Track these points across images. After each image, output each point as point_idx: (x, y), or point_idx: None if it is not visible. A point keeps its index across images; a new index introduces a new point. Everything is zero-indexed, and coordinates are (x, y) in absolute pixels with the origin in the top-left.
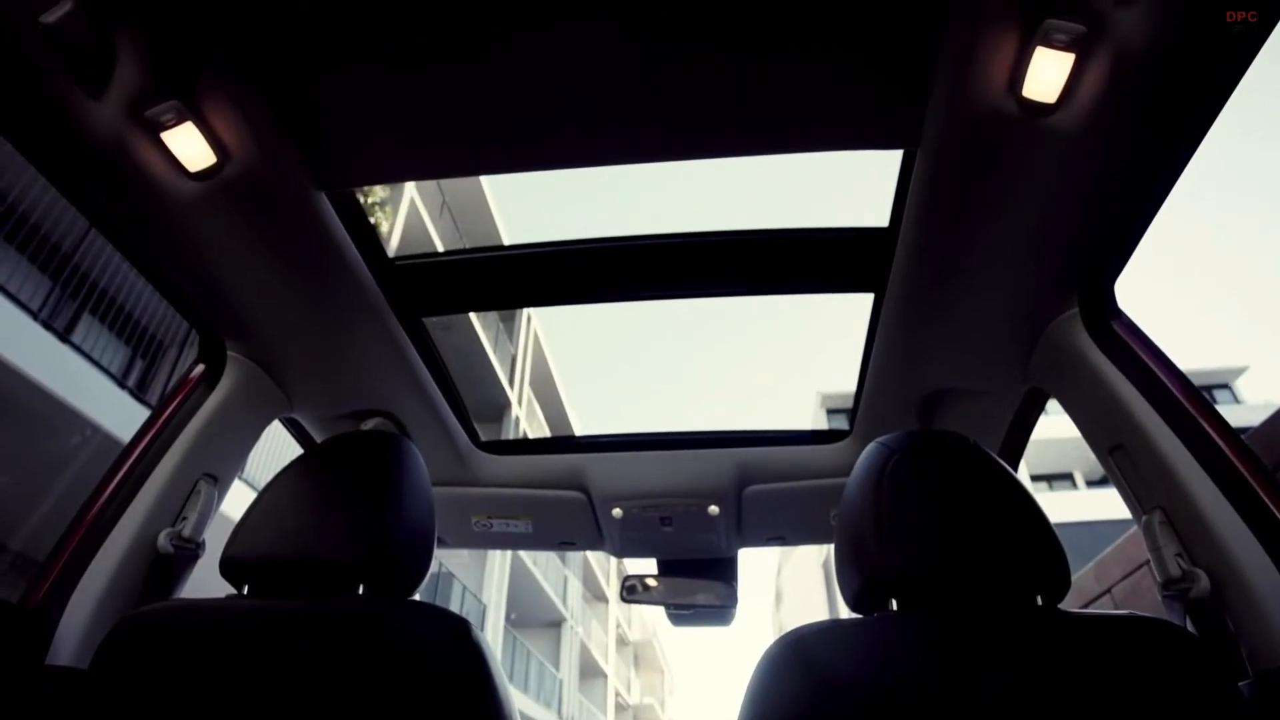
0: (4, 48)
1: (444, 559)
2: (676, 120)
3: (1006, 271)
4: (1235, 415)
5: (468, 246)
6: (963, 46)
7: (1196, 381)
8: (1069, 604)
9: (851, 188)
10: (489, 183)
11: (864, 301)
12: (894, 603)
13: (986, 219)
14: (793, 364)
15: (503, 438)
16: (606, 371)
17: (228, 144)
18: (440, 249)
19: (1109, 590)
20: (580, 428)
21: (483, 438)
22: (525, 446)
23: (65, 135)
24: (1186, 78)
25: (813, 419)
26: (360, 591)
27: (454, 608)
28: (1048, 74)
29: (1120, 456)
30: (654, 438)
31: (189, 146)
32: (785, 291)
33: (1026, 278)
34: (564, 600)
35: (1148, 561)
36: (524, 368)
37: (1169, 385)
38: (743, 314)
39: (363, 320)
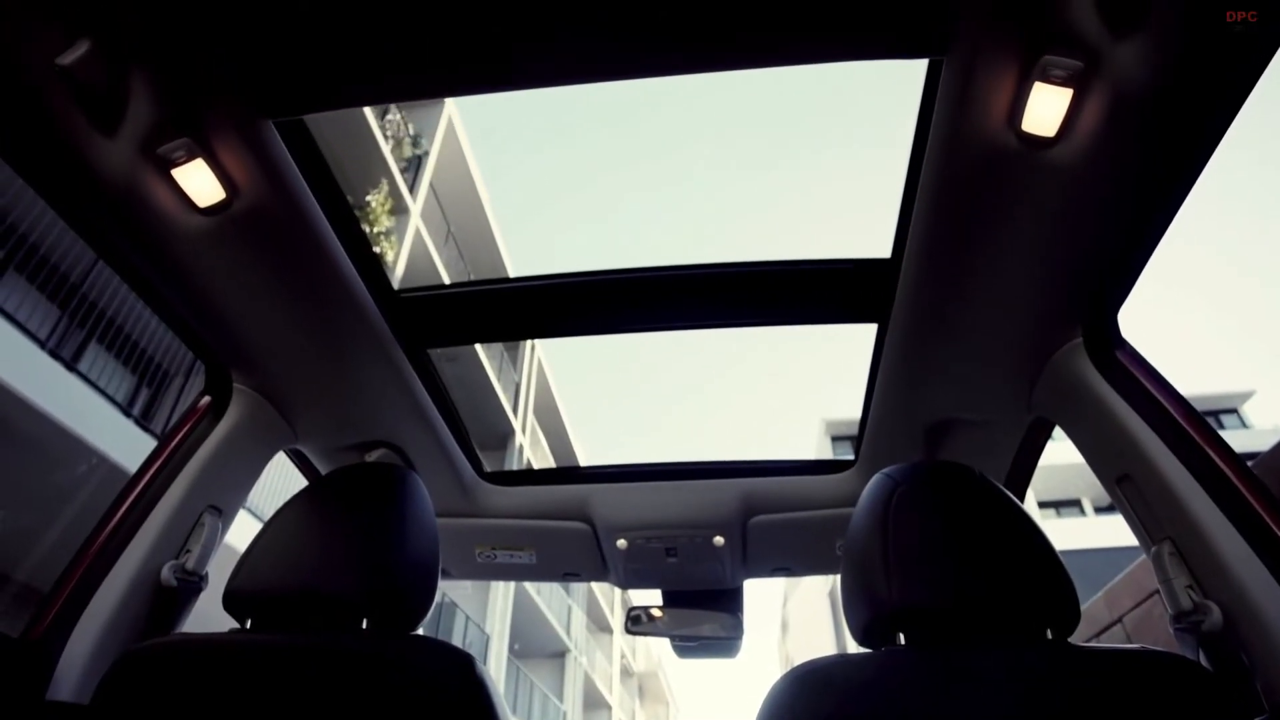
0: (20, 88)
1: (447, 589)
2: (680, 31)
3: (1009, 302)
4: (1244, 440)
5: (473, 277)
6: (962, 81)
7: (1204, 407)
8: (1080, 632)
9: (853, 220)
10: (493, 210)
11: (868, 330)
12: (902, 636)
13: (988, 250)
14: (797, 391)
15: (507, 467)
16: (611, 400)
17: (237, 180)
18: (445, 277)
19: (1120, 619)
20: (585, 456)
21: (487, 467)
22: (529, 477)
23: (77, 172)
24: (1185, 110)
25: (817, 446)
26: (364, 625)
27: (457, 638)
28: (1046, 109)
29: (1127, 487)
30: (658, 468)
31: (199, 183)
32: (789, 322)
33: (1029, 308)
34: (568, 631)
35: (1159, 590)
36: (528, 396)
37: (1174, 414)
38: (748, 342)
39: (368, 352)
